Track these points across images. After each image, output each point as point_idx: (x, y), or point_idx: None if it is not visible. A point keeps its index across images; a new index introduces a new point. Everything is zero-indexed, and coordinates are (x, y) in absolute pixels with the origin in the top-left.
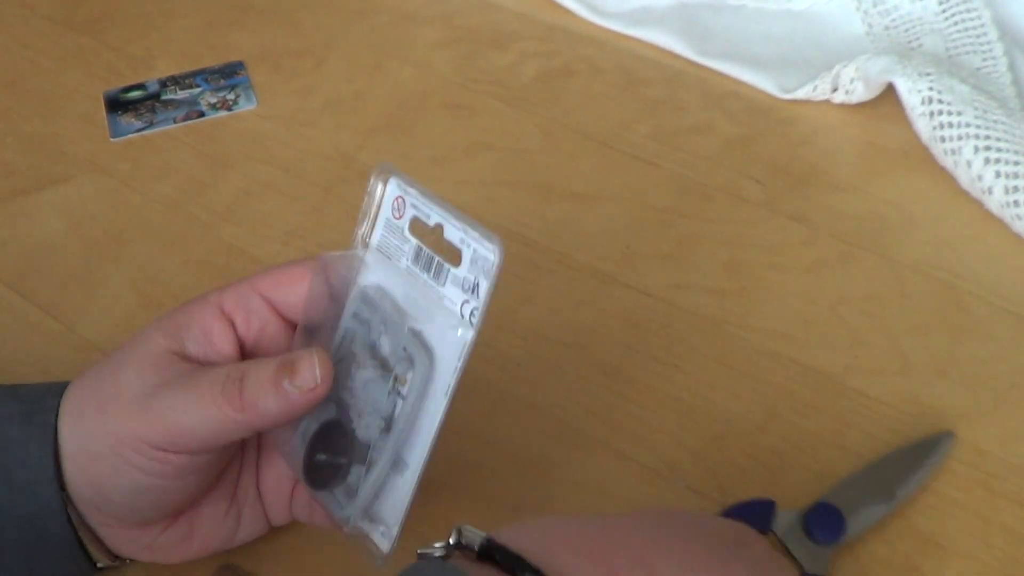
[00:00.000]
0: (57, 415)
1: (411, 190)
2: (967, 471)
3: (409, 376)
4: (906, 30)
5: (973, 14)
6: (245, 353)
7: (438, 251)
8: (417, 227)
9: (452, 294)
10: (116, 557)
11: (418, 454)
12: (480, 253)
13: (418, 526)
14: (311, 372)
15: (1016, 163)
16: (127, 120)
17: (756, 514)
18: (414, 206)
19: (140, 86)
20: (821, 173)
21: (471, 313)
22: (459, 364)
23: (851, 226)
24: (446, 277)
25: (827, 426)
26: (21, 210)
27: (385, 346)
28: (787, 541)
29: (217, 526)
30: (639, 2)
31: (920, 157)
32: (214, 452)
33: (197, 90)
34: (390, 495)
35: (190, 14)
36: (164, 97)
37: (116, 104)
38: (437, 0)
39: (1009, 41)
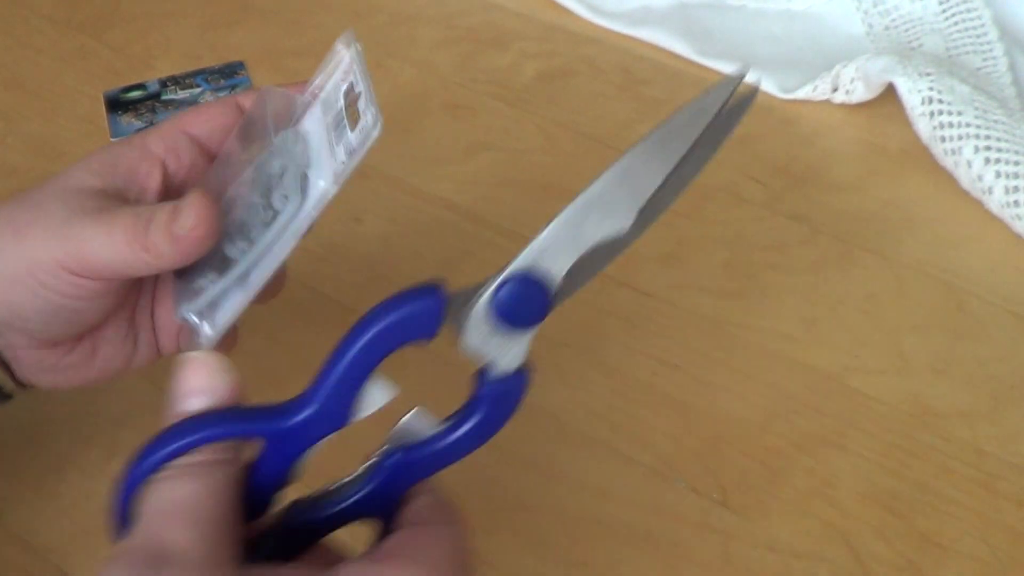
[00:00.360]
0: None
1: (358, 62)
2: (967, 471)
3: (282, 210)
4: (906, 30)
5: (973, 14)
6: (173, 192)
7: (350, 116)
8: (349, 93)
9: (340, 154)
10: (19, 385)
11: (260, 277)
12: (367, 123)
13: None
14: (192, 213)
15: (1016, 163)
16: (127, 120)
17: (418, 313)
18: (355, 74)
19: (140, 86)
20: (821, 173)
21: (340, 172)
22: (314, 213)
23: (851, 226)
24: (342, 138)
25: (827, 426)
26: None
27: (281, 182)
28: (470, 336)
29: (116, 349)
30: (639, 2)
31: (920, 157)
32: (126, 279)
33: (197, 90)
34: (227, 303)
35: (190, 14)
36: (164, 97)
37: (116, 104)
38: (437, 0)
39: (1009, 41)
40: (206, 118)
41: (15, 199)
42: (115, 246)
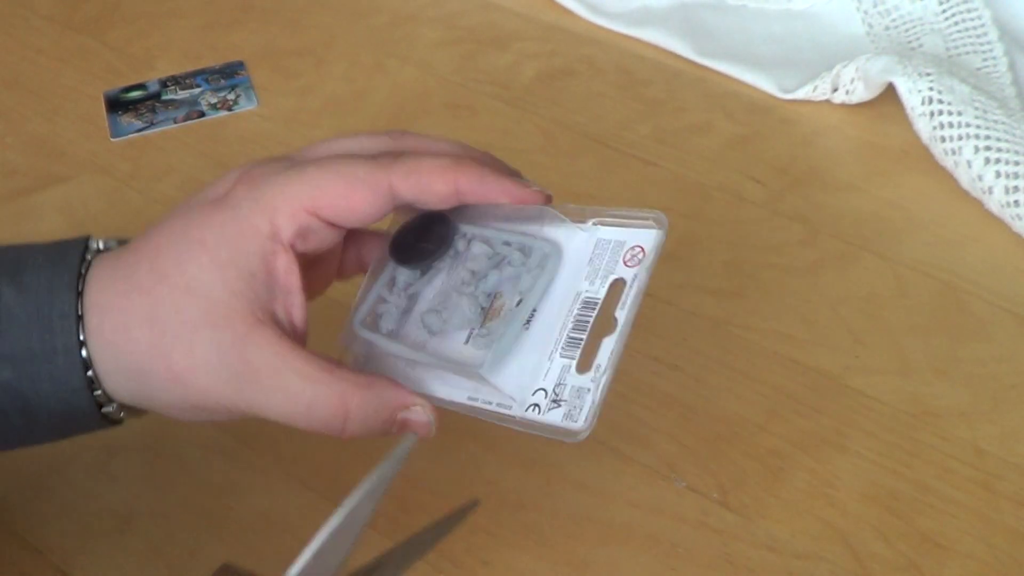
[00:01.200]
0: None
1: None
2: (967, 471)
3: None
4: (906, 30)
5: (973, 14)
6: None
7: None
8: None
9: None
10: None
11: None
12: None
13: (418, 525)
14: (419, 424)
15: (1016, 163)
16: (127, 120)
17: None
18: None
19: (140, 86)
20: (821, 173)
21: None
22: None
23: (851, 226)
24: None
25: (827, 426)
26: (22, 210)
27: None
28: None
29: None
30: (639, 2)
31: (920, 157)
32: None
33: (197, 90)
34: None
35: (190, 14)
36: (164, 97)
37: (116, 104)
38: (437, 0)
39: (1009, 41)
40: (344, 200)
41: (138, 302)
42: (297, 418)
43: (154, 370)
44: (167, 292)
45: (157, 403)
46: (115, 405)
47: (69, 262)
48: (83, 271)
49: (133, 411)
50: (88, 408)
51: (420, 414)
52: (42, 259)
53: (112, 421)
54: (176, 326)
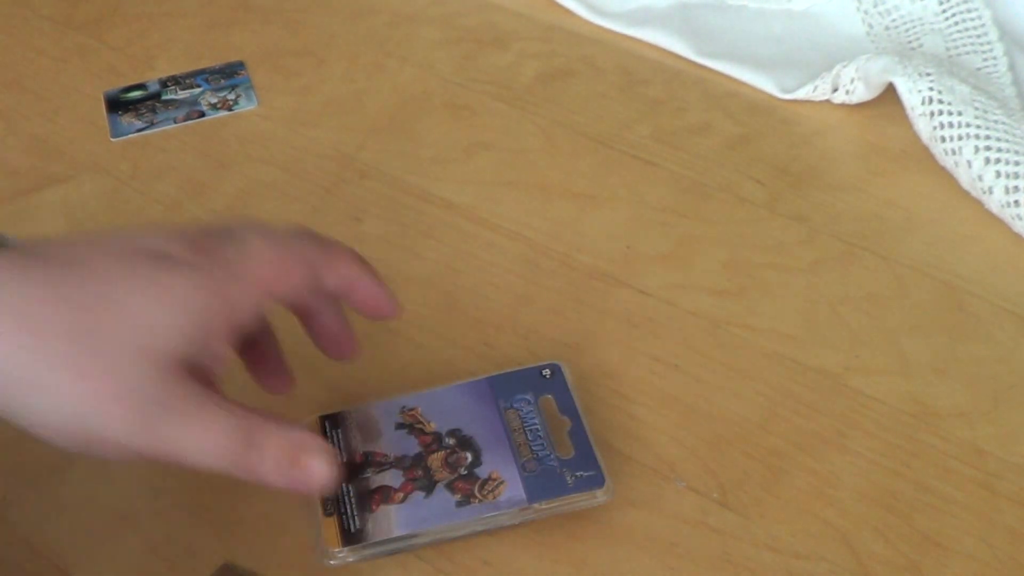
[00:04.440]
0: None
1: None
2: (967, 471)
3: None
4: (906, 30)
5: (973, 14)
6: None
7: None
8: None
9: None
10: None
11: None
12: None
13: None
14: (320, 470)
15: (1016, 163)
16: (127, 120)
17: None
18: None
19: (140, 86)
20: (821, 173)
21: None
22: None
23: (851, 226)
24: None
25: (827, 426)
26: (22, 210)
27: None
28: None
29: None
30: (639, 2)
31: (920, 157)
32: None
33: (198, 90)
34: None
35: (190, 14)
36: (165, 97)
37: (116, 104)
38: (437, 0)
39: (1009, 41)
40: (289, 279)
41: (71, 302)
42: (208, 451)
43: (52, 384)
44: (106, 314)
45: (26, 413)
46: None
47: None
48: None
49: None
50: None
51: (323, 463)
52: None
53: None
54: (109, 347)
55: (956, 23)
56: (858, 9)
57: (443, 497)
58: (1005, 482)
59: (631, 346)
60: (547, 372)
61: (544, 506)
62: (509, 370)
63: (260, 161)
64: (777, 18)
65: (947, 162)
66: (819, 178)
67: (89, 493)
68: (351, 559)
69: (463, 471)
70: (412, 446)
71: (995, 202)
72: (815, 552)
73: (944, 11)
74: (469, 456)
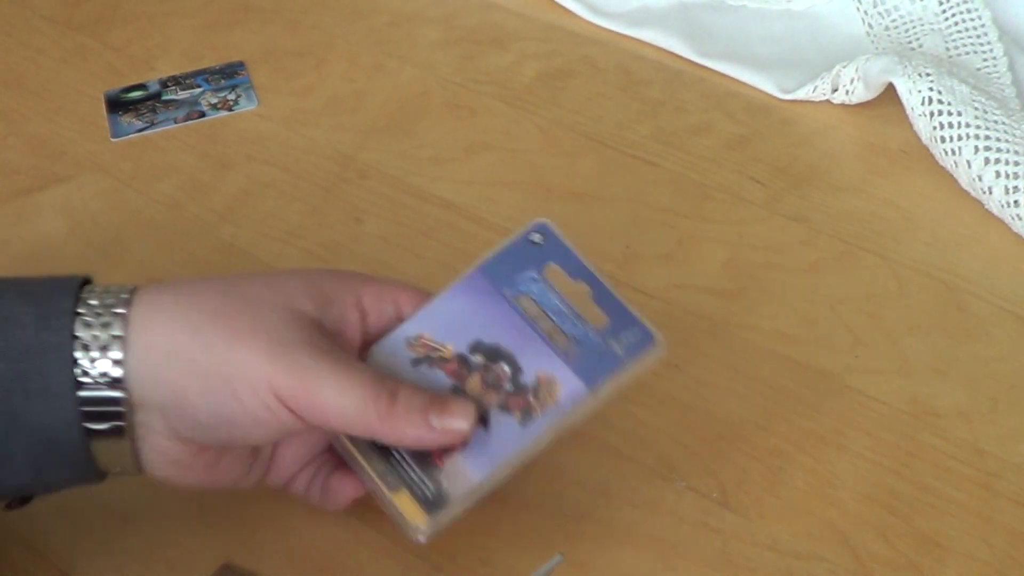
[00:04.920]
0: (123, 315)
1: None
2: (967, 471)
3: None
4: (906, 30)
5: (973, 14)
6: (362, 347)
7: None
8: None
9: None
10: (125, 466)
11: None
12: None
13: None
14: (461, 420)
15: (1016, 163)
16: (128, 120)
17: None
18: None
19: (141, 86)
20: (821, 173)
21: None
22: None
23: (851, 226)
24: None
25: (827, 426)
26: (22, 210)
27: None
28: None
29: (240, 463)
30: (639, 2)
31: (920, 157)
32: (316, 428)
33: (198, 90)
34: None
35: (191, 14)
36: (165, 97)
37: (117, 104)
38: (437, 0)
39: (1009, 41)
40: (420, 301)
41: (222, 289)
42: (348, 399)
43: (207, 333)
44: (248, 285)
45: (195, 404)
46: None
47: (66, 284)
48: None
49: (118, 456)
50: (71, 422)
51: (466, 412)
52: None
53: (95, 467)
54: (254, 303)
55: (956, 23)
56: (858, 9)
57: (503, 422)
58: (1005, 482)
59: None
60: (536, 237)
61: (607, 386)
62: (495, 251)
63: (260, 161)
64: (777, 18)
65: (947, 162)
66: (819, 178)
67: (89, 493)
68: (445, 522)
69: (508, 386)
70: (441, 379)
71: (995, 202)
72: (815, 552)
73: (944, 11)
74: (506, 367)
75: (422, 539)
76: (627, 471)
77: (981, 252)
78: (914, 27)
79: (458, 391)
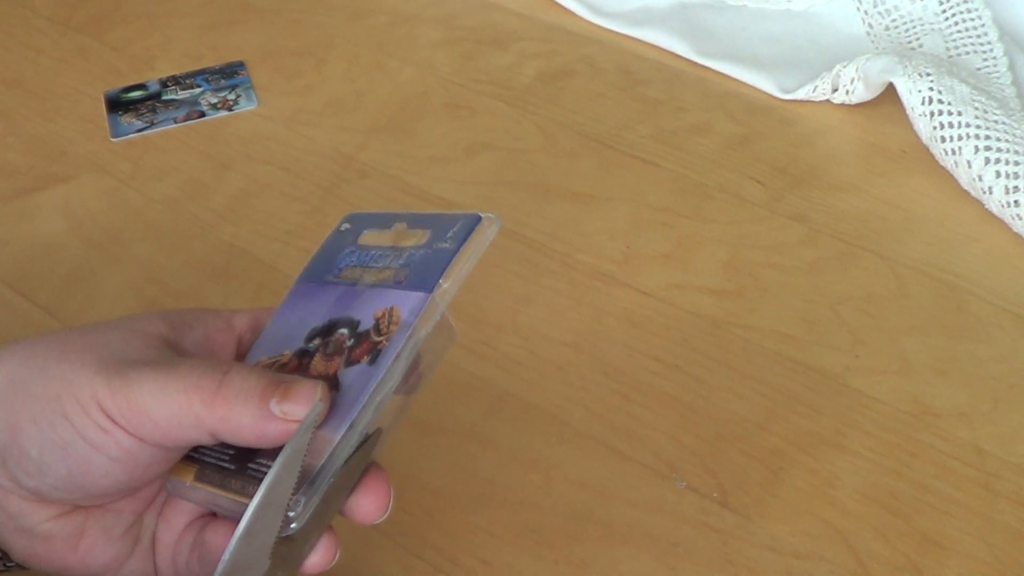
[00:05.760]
0: None
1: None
2: (967, 471)
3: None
4: (906, 30)
5: (973, 14)
6: None
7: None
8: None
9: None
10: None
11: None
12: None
13: (418, 525)
14: (306, 401)
15: (1016, 163)
16: (128, 120)
17: None
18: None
19: (141, 86)
20: (821, 173)
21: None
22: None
23: (851, 226)
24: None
25: (827, 426)
26: (22, 210)
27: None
28: None
29: (109, 541)
30: (639, 2)
31: (920, 157)
32: (161, 449)
33: (198, 90)
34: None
35: (191, 14)
36: (165, 97)
37: (117, 104)
38: (437, 0)
39: (1009, 41)
40: None
41: (69, 328)
42: (169, 394)
43: (42, 354)
44: (93, 324)
45: (28, 434)
46: None
47: None
48: None
49: None
50: None
51: (305, 384)
52: None
53: None
54: (99, 329)
55: (956, 23)
56: (858, 9)
57: (351, 373)
58: (1005, 482)
59: (631, 346)
60: (345, 226)
61: (448, 283)
62: (310, 258)
63: (260, 161)
64: (777, 18)
65: (947, 162)
66: (819, 178)
67: None
68: (311, 504)
69: (350, 342)
70: None
71: (995, 202)
72: (815, 552)
73: (944, 11)
74: (343, 330)
75: (296, 525)
76: (627, 471)
77: (981, 252)
78: (914, 27)
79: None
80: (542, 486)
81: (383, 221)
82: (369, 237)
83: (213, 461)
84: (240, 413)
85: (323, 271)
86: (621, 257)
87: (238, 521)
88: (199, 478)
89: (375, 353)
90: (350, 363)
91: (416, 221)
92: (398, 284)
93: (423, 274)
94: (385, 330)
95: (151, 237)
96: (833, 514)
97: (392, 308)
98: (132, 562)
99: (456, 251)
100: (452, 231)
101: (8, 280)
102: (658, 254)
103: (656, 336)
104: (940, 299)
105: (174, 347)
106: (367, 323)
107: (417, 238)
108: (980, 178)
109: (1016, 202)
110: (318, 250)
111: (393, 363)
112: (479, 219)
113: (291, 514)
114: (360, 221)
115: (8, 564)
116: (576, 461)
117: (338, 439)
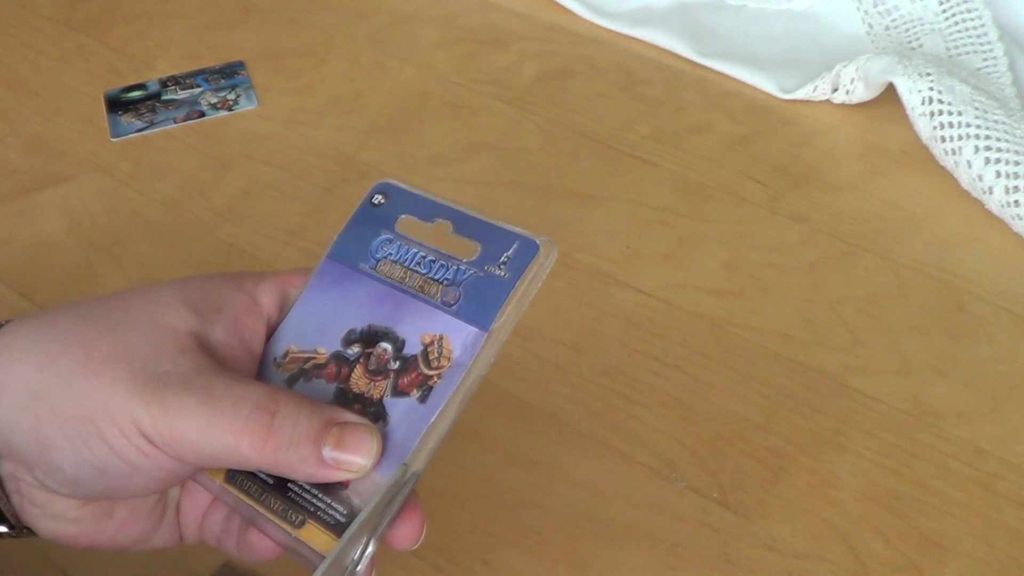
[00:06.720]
0: None
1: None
2: (967, 471)
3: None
4: (906, 30)
5: (973, 14)
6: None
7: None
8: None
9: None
10: (17, 528)
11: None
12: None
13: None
14: (361, 453)
15: (1016, 163)
16: (128, 120)
17: None
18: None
19: (141, 86)
20: (821, 173)
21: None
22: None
23: (851, 226)
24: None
25: (827, 426)
26: (22, 210)
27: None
28: None
29: (137, 520)
30: (639, 2)
31: (920, 157)
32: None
33: (198, 90)
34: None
35: (190, 14)
36: (165, 97)
37: (117, 104)
38: (437, 0)
39: (1009, 41)
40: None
41: (87, 312)
42: (214, 431)
43: (64, 361)
44: (116, 303)
45: (62, 452)
46: None
47: None
48: None
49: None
50: None
51: (361, 432)
52: None
53: None
54: (120, 324)
55: (956, 23)
56: (858, 9)
57: (401, 407)
58: (1005, 482)
59: (631, 346)
60: (378, 199)
61: (504, 319)
62: (340, 232)
63: (260, 161)
64: (777, 18)
65: (947, 162)
66: (819, 178)
67: None
68: (370, 548)
69: (395, 365)
70: (323, 390)
71: (995, 202)
72: (815, 552)
73: (944, 11)
74: (386, 345)
75: (358, 570)
76: (627, 471)
77: (981, 252)
78: (914, 27)
79: (343, 395)
80: (542, 486)
81: (423, 210)
82: (408, 226)
83: None
84: (291, 458)
85: (357, 255)
86: (621, 257)
87: (271, 535)
88: (230, 480)
89: (425, 390)
90: (398, 392)
91: (462, 225)
92: (447, 306)
93: (476, 305)
94: (436, 364)
95: (151, 237)
96: (833, 514)
97: (443, 337)
98: (159, 535)
99: (514, 285)
100: (506, 254)
101: (8, 280)
102: (658, 254)
103: (656, 336)
104: (940, 299)
105: (203, 341)
106: (413, 345)
107: (466, 249)
108: (980, 178)
109: (1016, 202)
110: (348, 224)
111: (445, 407)
112: (537, 247)
113: (346, 564)
114: (395, 197)
115: (15, 532)
116: (576, 461)
117: (387, 484)
